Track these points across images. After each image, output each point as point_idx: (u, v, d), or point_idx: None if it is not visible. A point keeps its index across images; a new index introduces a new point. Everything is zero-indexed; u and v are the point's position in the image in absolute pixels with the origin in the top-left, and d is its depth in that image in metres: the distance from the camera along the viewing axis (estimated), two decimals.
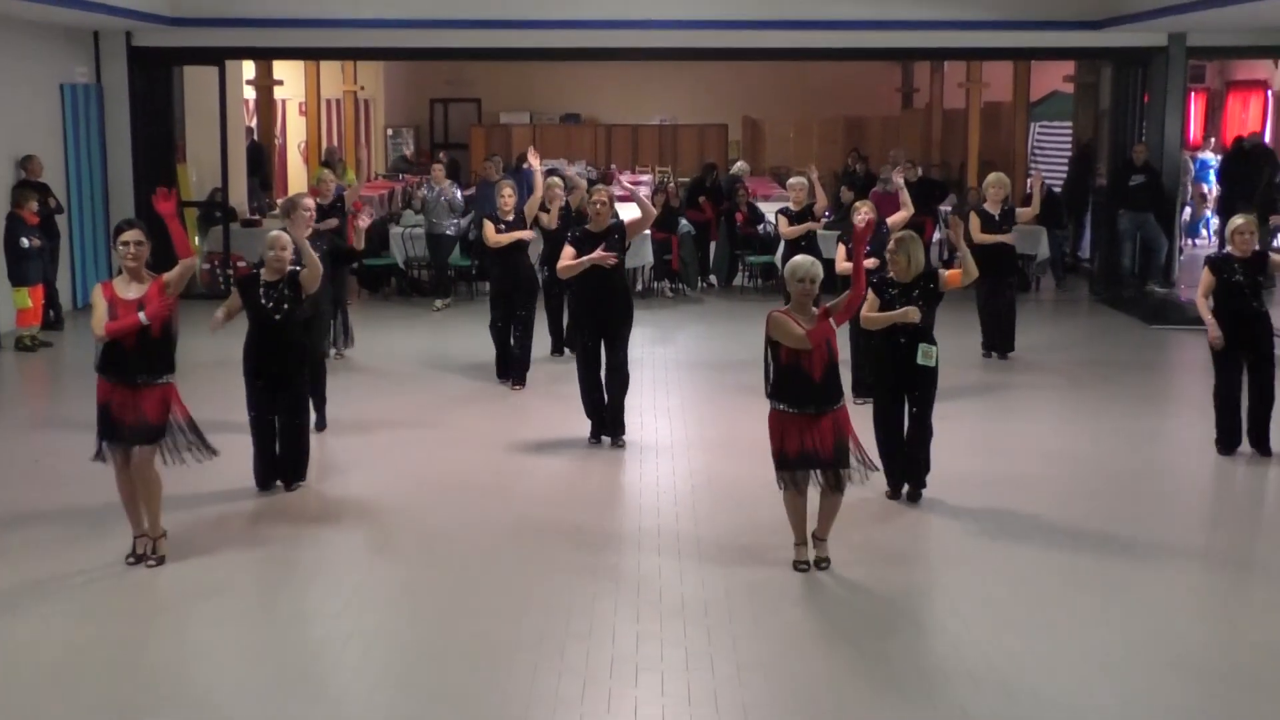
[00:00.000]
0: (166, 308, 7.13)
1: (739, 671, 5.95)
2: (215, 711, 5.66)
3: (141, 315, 6.99)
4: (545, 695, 5.71)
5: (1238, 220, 9.63)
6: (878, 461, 7.70)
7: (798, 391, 7.06)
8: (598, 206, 9.74)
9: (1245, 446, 9.50)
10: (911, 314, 8.05)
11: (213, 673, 6.09)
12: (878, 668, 6.08)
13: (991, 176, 13.27)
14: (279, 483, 8.64)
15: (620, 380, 9.87)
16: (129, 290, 7.12)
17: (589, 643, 6.28)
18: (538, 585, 7.08)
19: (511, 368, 11.68)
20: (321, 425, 9.91)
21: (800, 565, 7.26)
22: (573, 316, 10.26)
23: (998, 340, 12.87)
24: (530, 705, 5.62)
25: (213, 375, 10.36)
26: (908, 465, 8.46)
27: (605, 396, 9.83)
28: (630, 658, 6.12)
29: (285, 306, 8.29)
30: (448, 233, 15.98)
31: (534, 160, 11.70)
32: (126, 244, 7.12)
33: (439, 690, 5.84)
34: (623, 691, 5.76)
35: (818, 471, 7.12)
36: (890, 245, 8.36)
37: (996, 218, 12.59)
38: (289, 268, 8.32)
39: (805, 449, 7.06)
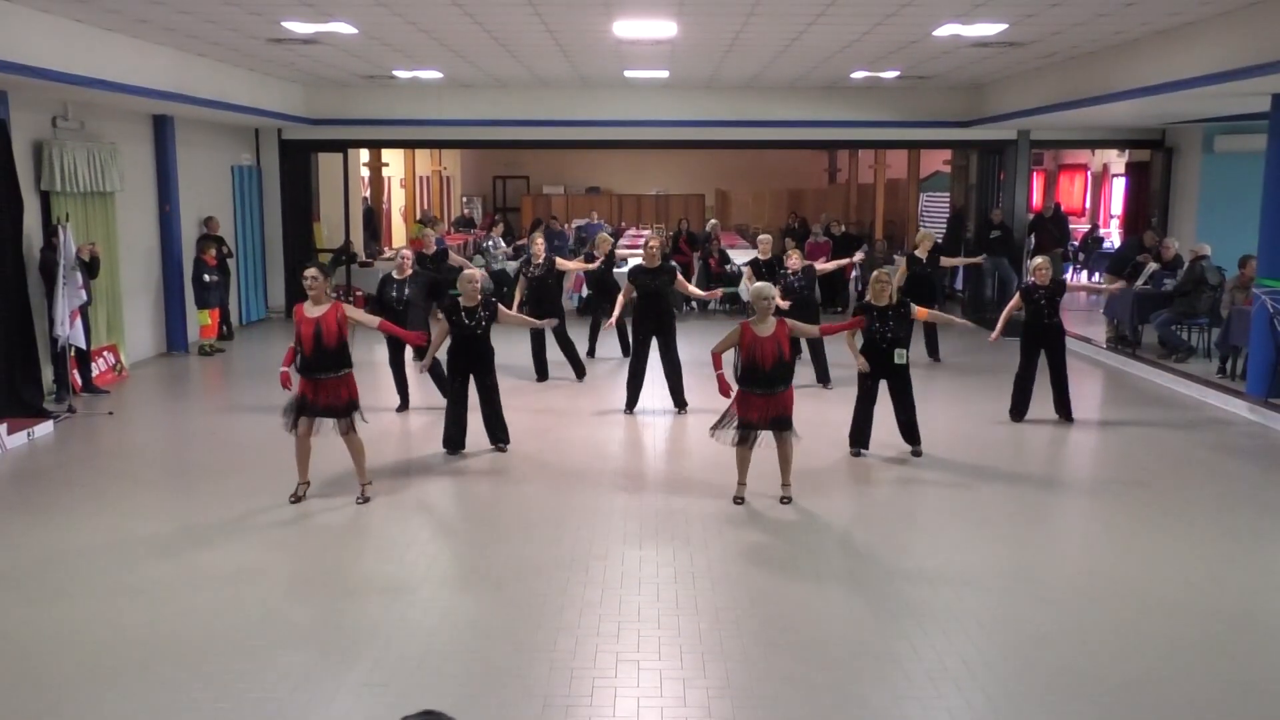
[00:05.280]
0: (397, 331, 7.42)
1: (713, 584, 5.97)
2: (328, 598, 5.70)
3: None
4: (574, 600, 5.74)
5: (1037, 259, 9.99)
6: (812, 431, 7.76)
7: (753, 377, 7.19)
8: (651, 250, 10.11)
9: (1048, 414, 9.87)
10: (863, 366, 8.40)
11: (323, 571, 6.10)
12: (815, 582, 6.09)
13: (920, 232, 13.58)
14: (492, 446, 8.68)
15: (675, 368, 10.13)
16: (314, 310, 7.19)
17: (606, 562, 6.31)
18: (572, 518, 7.10)
19: (572, 367, 11.72)
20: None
21: (737, 500, 7.39)
22: (633, 326, 10.32)
23: (929, 348, 13.07)
24: (564, 607, 5.65)
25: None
26: (905, 433, 8.65)
27: (666, 380, 10.12)
28: (635, 574, 6.14)
29: (483, 324, 8.31)
30: (498, 267, 16.85)
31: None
32: (306, 278, 7.24)
33: (502, 594, 5.86)
34: (629, 598, 5.78)
35: (769, 432, 7.27)
36: (875, 277, 8.54)
37: (925, 261, 12.74)
38: (479, 296, 8.38)
39: (757, 417, 7.21)
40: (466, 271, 8.58)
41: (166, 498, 7.78)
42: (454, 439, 8.63)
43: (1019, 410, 9.95)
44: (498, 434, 8.68)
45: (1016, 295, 9.86)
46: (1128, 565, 6.38)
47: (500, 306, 8.46)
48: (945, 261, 13.15)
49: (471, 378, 8.51)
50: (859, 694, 4.75)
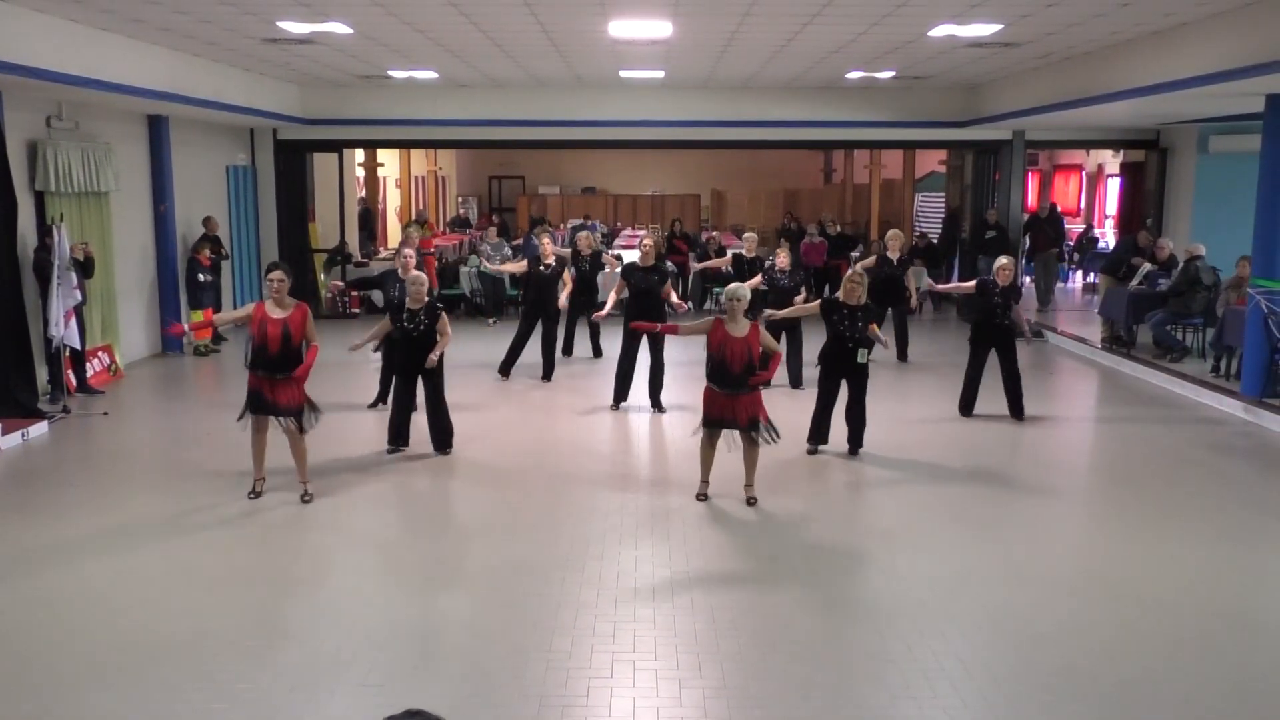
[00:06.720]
0: (307, 369, 7.24)
1: (709, 584, 5.97)
2: (325, 599, 5.68)
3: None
4: (570, 600, 5.75)
5: (1001, 259, 9.89)
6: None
7: (721, 376, 7.24)
8: (647, 249, 10.21)
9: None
10: (812, 309, 8.67)
11: (320, 571, 6.11)
12: (812, 582, 6.09)
13: (890, 232, 13.33)
14: (434, 450, 8.57)
15: (660, 370, 10.20)
16: (275, 311, 7.19)
17: (601, 563, 6.31)
18: (567, 517, 7.11)
19: (544, 368, 11.74)
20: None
21: (700, 496, 7.42)
22: (625, 323, 10.25)
23: (898, 347, 12.88)
24: (560, 607, 5.65)
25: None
26: (850, 432, 8.63)
27: (649, 379, 10.18)
28: (631, 573, 6.15)
29: (421, 327, 8.29)
30: (491, 269, 16.18)
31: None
32: (271, 280, 7.24)
33: (499, 595, 5.86)
34: (625, 598, 5.79)
35: (737, 432, 7.30)
36: (848, 275, 8.64)
37: (896, 261, 12.65)
38: (426, 299, 8.35)
39: (721, 415, 7.27)
40: (413, 273, 8.61)
41: (161, 498, 7.74)
42: (398, 434, 8.60)
43: (968, 406, 9.95)
44: (440, 438, 8.60)
45: (973, 283, 9.88)
46: (1123, 565, 6.39)
47: (445, 318, 8.38)
48: (938, 286, 12.77)
49: (421, 379, 8.46)
50: (855, 694, 4.75)
